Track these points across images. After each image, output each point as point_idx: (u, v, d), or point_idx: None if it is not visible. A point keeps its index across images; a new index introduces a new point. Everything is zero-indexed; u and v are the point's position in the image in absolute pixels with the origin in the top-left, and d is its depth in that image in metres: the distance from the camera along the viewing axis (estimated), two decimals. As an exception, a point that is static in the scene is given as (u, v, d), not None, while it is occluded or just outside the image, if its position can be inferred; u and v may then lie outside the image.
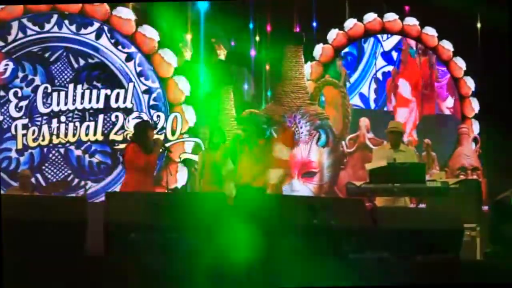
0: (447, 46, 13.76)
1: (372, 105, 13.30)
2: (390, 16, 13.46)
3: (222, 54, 11.99)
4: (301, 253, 6.14)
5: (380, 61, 13.47)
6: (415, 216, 7.20)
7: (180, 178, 11.39)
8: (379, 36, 13.47)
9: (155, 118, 11.47)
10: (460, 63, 13.78)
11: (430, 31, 13.71)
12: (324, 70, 12.67)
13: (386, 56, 13.56)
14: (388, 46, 13.59)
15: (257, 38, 12.40)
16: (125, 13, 11.46)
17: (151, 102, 11.53)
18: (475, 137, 13.51)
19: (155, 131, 10.02)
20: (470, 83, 13.80)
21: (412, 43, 13.69)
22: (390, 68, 13.55)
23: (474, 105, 13.74)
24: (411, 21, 13.62)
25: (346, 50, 13.10)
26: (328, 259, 6.15)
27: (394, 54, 13.63)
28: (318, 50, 12.70)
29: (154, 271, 5.82)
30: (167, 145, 10.03)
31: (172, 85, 11.59)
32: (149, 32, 11.51)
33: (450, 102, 13.81)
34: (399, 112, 13.40)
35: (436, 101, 13.71)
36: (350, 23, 13.07)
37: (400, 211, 7.73)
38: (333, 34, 12.88)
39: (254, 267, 5.88)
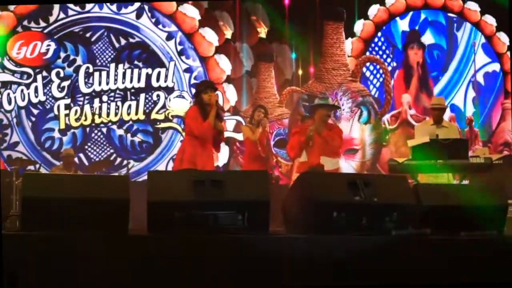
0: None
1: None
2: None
3: (262, 31, 11.98)
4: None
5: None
6: (458, 192, 7.14)
7: (221, 156, 11.28)
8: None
9: (196, 97, 11.56)
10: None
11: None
12: (365, 46, 12.49)
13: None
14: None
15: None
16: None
17: (192, 81, 11.57)
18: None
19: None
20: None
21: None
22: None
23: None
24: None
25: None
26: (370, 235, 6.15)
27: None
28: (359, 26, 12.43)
29: (197, 249, 5.83)
30: None
31: (213, 64, 11.63)
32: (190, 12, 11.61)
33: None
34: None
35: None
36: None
37: (443, 188, 7.69)
38: (374, 9, 12.40)
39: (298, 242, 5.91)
